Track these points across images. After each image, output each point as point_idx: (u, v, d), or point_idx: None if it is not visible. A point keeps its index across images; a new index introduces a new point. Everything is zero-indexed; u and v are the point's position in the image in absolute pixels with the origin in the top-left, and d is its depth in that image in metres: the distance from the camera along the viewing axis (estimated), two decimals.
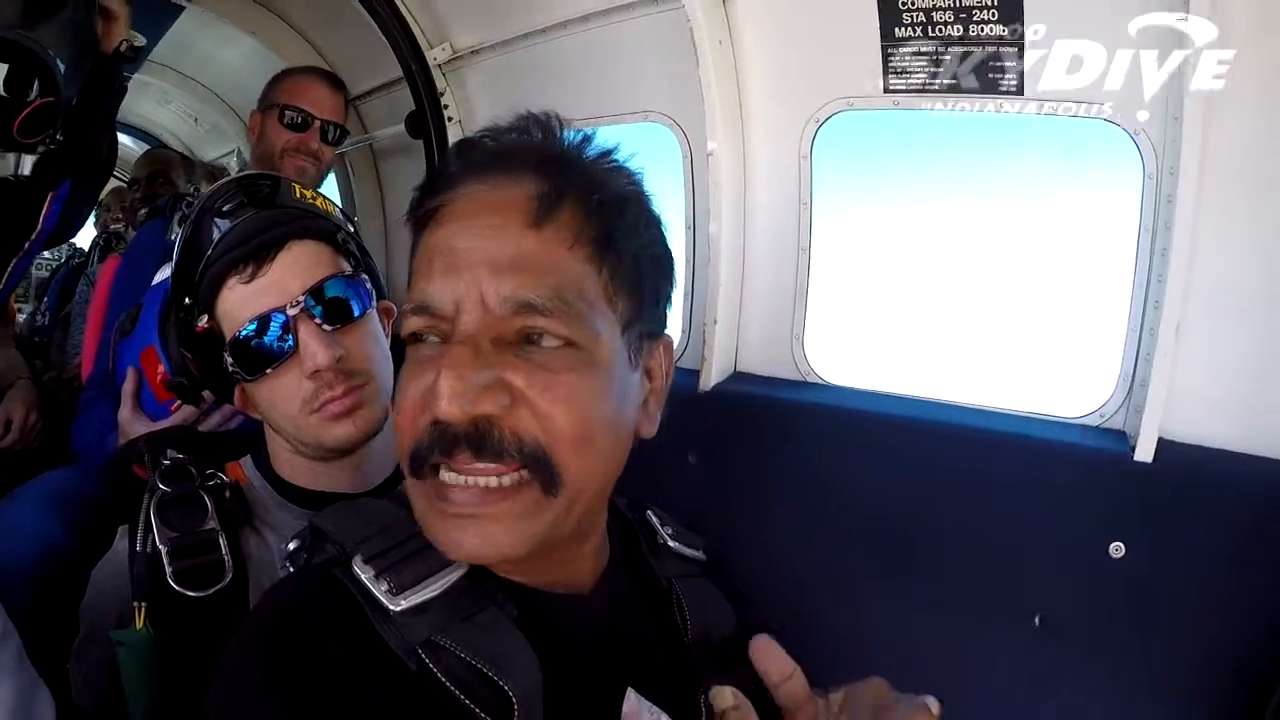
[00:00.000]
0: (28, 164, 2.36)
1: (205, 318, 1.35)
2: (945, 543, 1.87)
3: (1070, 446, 1.76)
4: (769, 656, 0.83)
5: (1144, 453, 1.64)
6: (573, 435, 0.82)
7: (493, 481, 0.81)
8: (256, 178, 1.41)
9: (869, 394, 2.14)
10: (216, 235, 1.33)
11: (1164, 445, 1.65)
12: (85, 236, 4.61)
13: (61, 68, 1.74)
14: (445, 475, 0.83)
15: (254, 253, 1.31)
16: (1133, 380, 1.77)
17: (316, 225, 1.38)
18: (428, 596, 0.83)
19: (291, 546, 0.97)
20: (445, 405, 0.78)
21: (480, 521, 0.82)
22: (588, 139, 0.92)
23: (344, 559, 0.87)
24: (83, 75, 1.89)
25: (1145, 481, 1.64)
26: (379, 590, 0.83)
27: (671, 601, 1.03)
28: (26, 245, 2.13)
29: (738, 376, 2.33)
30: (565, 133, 0.91)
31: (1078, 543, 1.71)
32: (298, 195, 1.40)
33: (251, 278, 1.31)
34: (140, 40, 2.06)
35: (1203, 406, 1.67)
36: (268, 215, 1.34)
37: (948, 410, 1.99)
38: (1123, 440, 1.74)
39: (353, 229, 1.47)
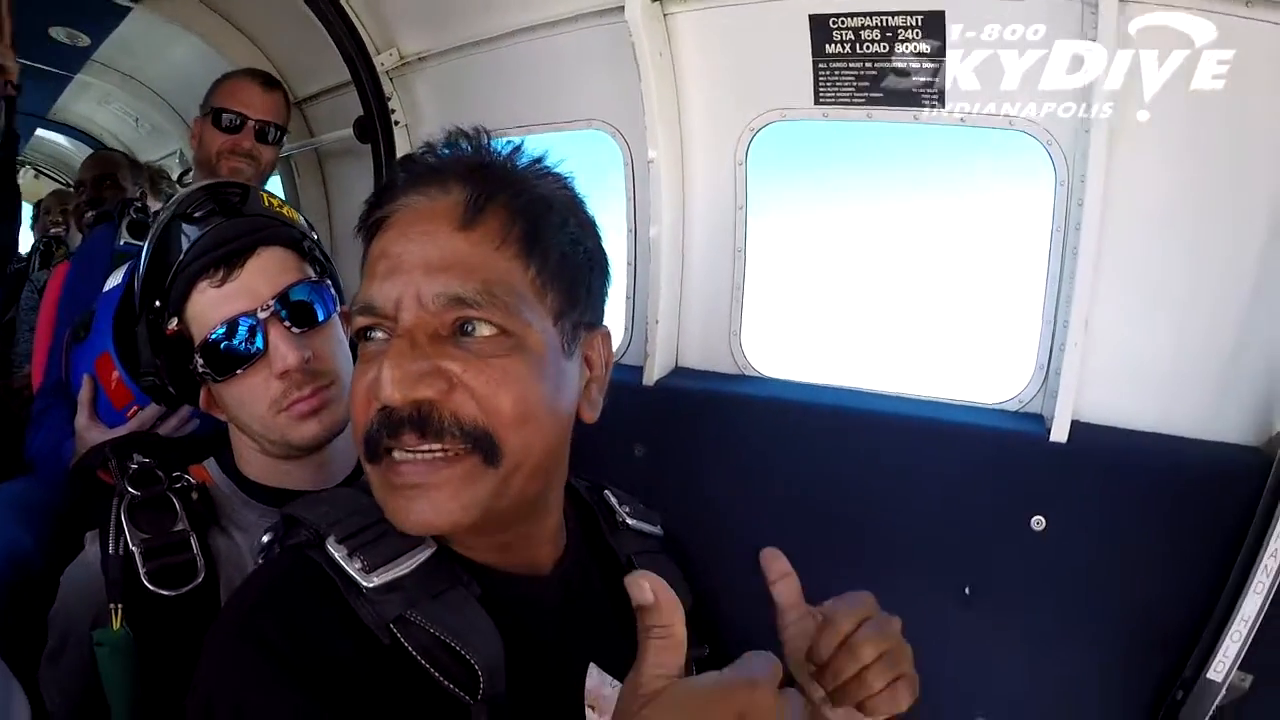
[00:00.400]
0: None
1: (175, 321, 1.37)
2: (879, 522, 1.98)
3: (992, 430, 1.88)
4: (772, 557, 0.96)
5: (1059, 433, 1.78)
6: (510, 413, 0.89)
7: (437, 453, 0.88)
8: (226, 186, 1.43)
9: (804, 385, 2.24)
10: (187, 242, 1.36)
11: (1077, 426, 1.78)
12: (24, 240, 4.47)
13: None
14: (396, 454, 0.90)
15: (225, 258, 1.34)
16: (1048, 368, 1.90)
17: (284, 233, 1.41)
18: (399, 574, 0.90)
19: (265, 539, 1.02)
20: (388, 391, 0.86)
21: (426, 490, 0.88)
22: (518, 149, 1.00)
23: (318, 540, 0.93)
24: None
25: (1061, 460, 1.78)
26: (352, 568, 0.89)
27: None
28: None
29: (679, 371, 2.41)
30: (494, 144, 0.99)
31: (1002, 518, 1.83)
32: (266, 204, 1.44)
33: (223, 282, 1.34)
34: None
35: (1111, 390, 1.81)
36: (238, 223, 1.37)
37: (878, 399, 2.09)
38: (1040, 423, 1.86)
39: (316, 237, 1.51)
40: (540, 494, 0.99)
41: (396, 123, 2.96)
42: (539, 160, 1.00)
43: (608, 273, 1.06)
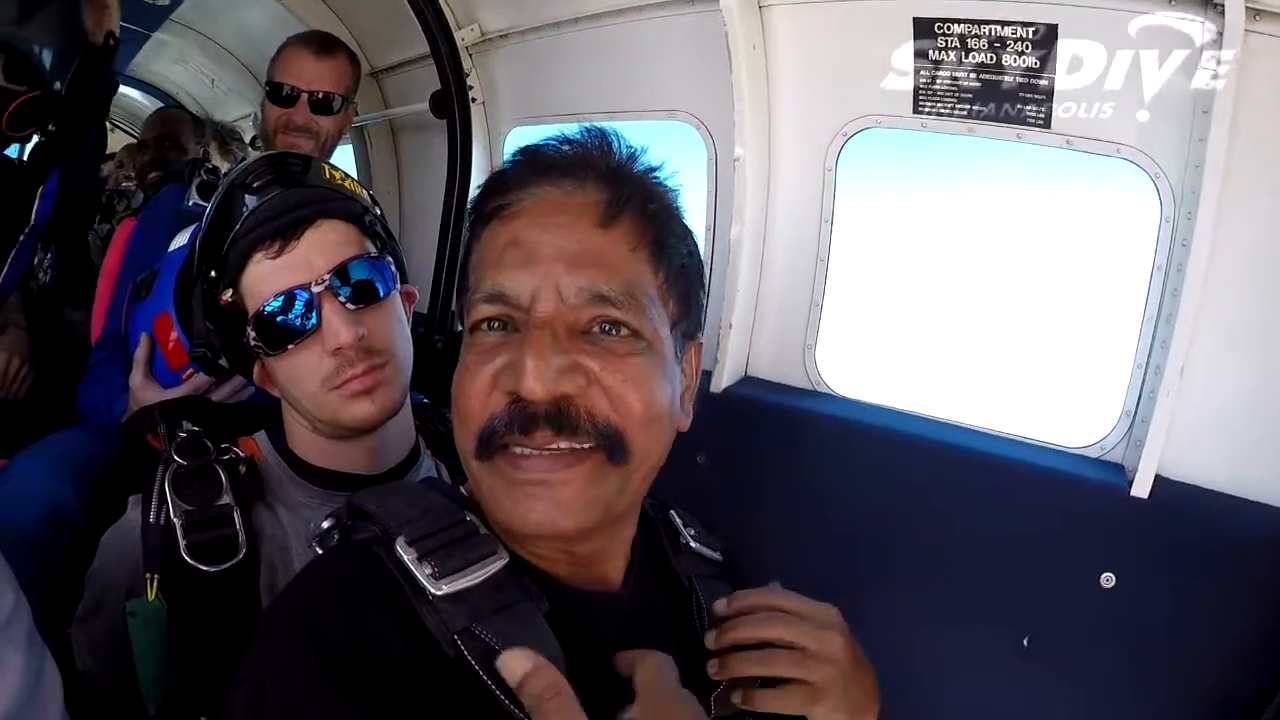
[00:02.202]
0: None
1: (230, 291, 1.38)
2: (941, 559, 1.97)
3: (1070, 476, 1.85)
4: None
5: (1141, 488, 1.74)
6: (642, 414, 0.90)
7: (564, 449, 0.88)
8: (287, 156, 1.45)
9: (876, 408, 2.22)
10: (245, 211, 1.37)
11: (1160, 482, 1.74)
12: None
13: (47, 62, 1.80)
14: (516, 449, 0.89)
15: (282, 229, 1.35)
16: (1134, 416, 1.85)
17: (345, 206, 1.41)
18: (468, 584, 0.89)
19: (325, 526, 1.02)
20: (530, 383, 0.85)
21: (551, 488, 0.89)
22: (636, 155, 1.00)
23: (386, 539, 0.92)
24: (70, 67, 1.94)
25: (1140, 516, 1.74)
26: (421, 573, 0.88)
27: (691, 601, 1.12)
28: (21, 238, 2.18)
29: (749, 381, 2.42)
30: (622, 147, 0.99)
31: (1070, 570, 1.80)
32: (327, 176, 1.44)
33: (278, 254, 1.35)
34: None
35: (1201, 447, 1.76)
36: (297, 193, 1.38)
37: (952, 430, 2.07)
38: (1120, 474, 1.83)
39: (379, 212, 1.52)
40: (638, 500, 1.02)
41: (474, 99, 3.00)
42: (655, 168, 1.02)
43: (706, 287, 1.11)
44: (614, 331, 0.91)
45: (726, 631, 0.99)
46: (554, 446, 0.88)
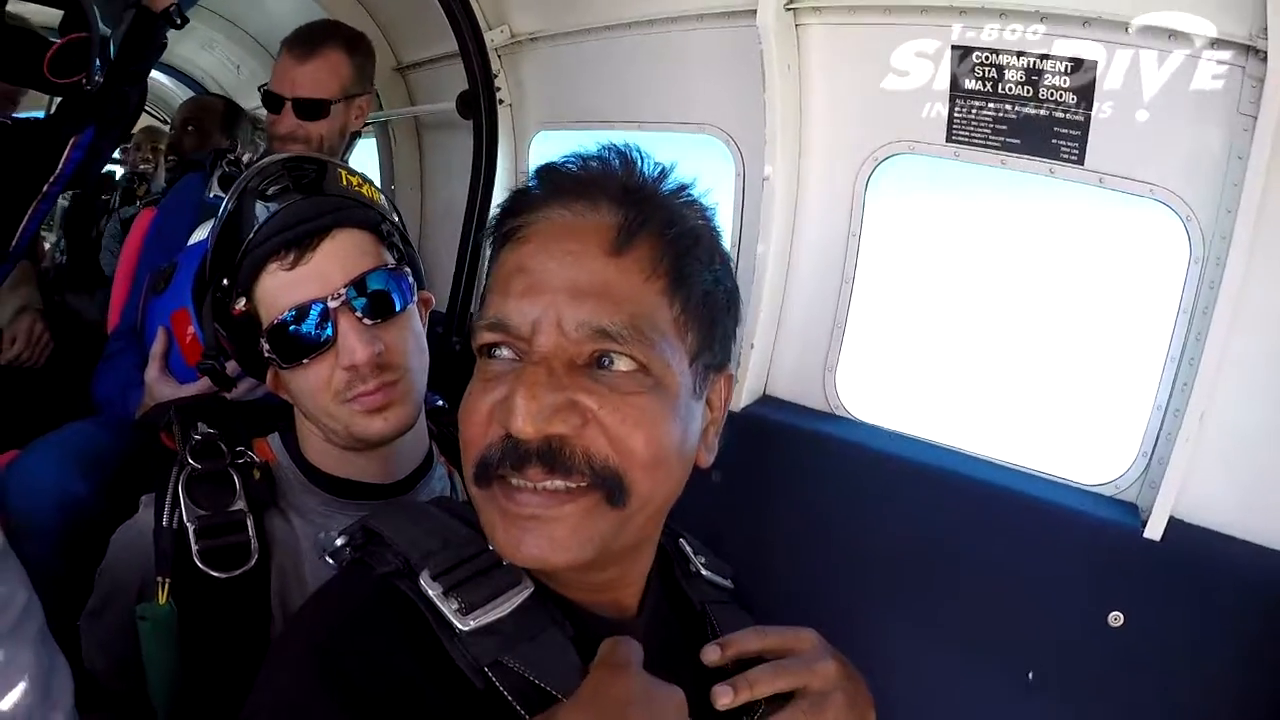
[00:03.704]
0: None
1: (243, 301, 1.40)
2: (949, 588, 2.00)
3: (1083, 514, 1.88)
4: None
5: (1154, 530, 1.76)
6: (645, 457, 0.90)
7: (559, 485, 0.89)
8: (302, 161, 1.46)
9: (893, 435, 2.25)
10: (259, 219, 1.37)
11: (1174, 524, 1.76)
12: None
13: (98, 10, 1.84)
14: (514, 481, 0.90)
15: (297, 240, 1.36)
16: (1151, 457, 1.88)
17: (362, 214, 1.42)
18: (497, 617, 0.91)
19: (338, 542, 1.03)
20: (520, 423, 0.86)
21: (545, 523, 0.89)
22: (665, 172, 1.00)
23: (409, 572, 0.94)
24: (122, 20, 1.99)
25: (1152, 557, 1.76)
26: (448, 609, 0.90)
27: (704, 626, 1.15)
28: (45, 189, 2.22)
29: (767, 400, 2.45)
30: (645, 164, 1.00)
31: (1078, 607, 1.83)
32: (344, 183, 1.44)
33: (293, 265, 1.36)
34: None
35: (1218, 491, 1.77)
36: (312, 202, 1.38)
37: (966, 461, 2.10)
38: (1134, 514, 1.85)
39: (398, 219, 1.53)
40: (651, 535, 1.04)
41: (501, 101, 3.04)
42: (685, 187, 1.01)
43: (739, 314, 1.08)
44: (614, 366, 0.90)
45: (727, 697, 0.99)
46: (546, 484, 0.89)
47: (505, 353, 0.93)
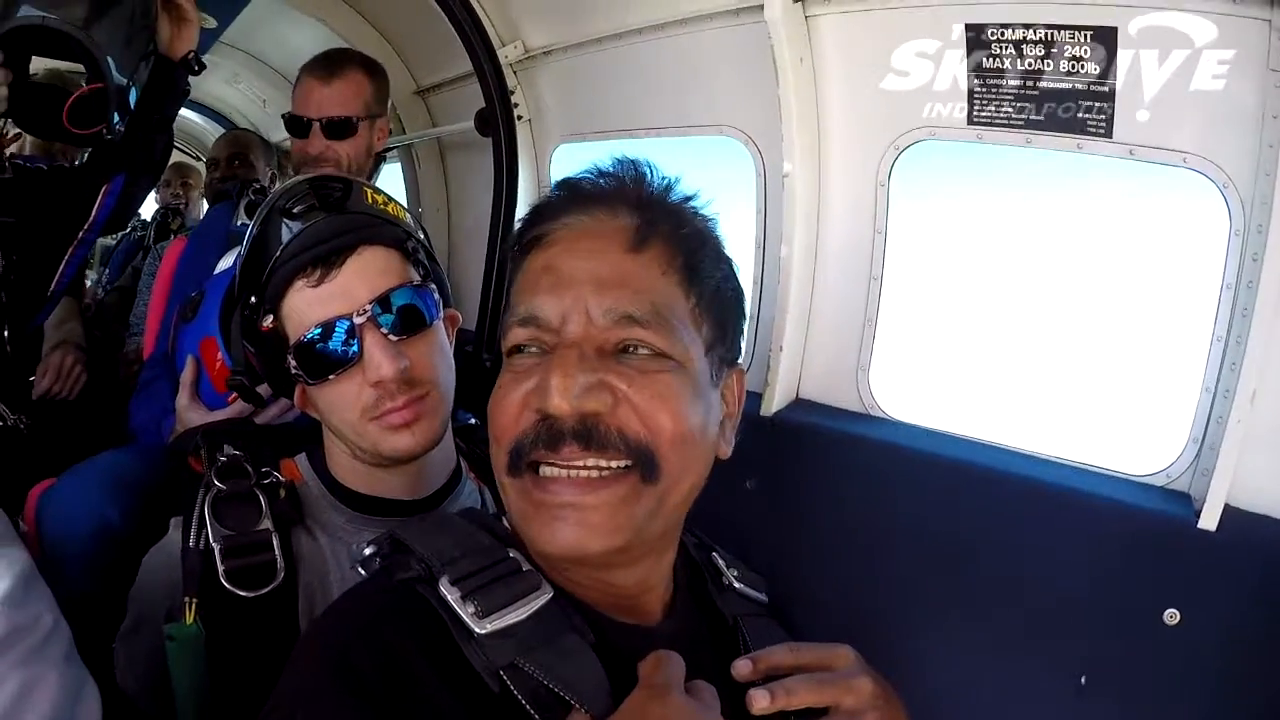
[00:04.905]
0: None
1: (270, 318, 1.44)
2: (996, 592, 1.95)
3: (1133, 506, 1.81)
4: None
5: (1208, 520, 1.69)
6: (673, 431, 0.97)
7: (593, 472, 0.95)
8: (329, 180, 1.49)
9: (931, 433, 2.21)
10: (286, 236, 1.41)
11: (1230, 513, 1.69)
12: (148, 207, 4.85)
13: (111, 60, 1.88)
14: (545, 470, 0.97)
15: (323, 257, 1.40)
16: (1202, 443, 1.81)
17: (387, 232, 1.46)
18: (513, 620, 0.94)
19: (367, 552, 1.07)
20: (556, 400, 0.93)
21: (580, 511, 0.95)
22: (671, 185, 1.11)
23: (430, 578, 0.97)
24: (138, 68, 2.04)
25: (1207, 549, 1.69)
26: (465, 612, 0.93)
27: (736, 639, 1.16)
28: (80, 235, 2.29)
29: (799, 404, 2.43)
30: (655, 177, 1.10)
31: (1131, 605, 1.77)
32: (369, 201, 1.48)
33: (319, 282, 1.40)
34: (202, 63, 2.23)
35: (1275, 475, 1.71)
36: (338, 220, 1.42)
37: (1011, 457, 2.05)
38: (1187, 504, 1.79)
39: (423, 236, 1.57)
40: (678, 525, 1.08)
41: (519, 117, 3.08)
42: (691, 198, 1.12)
43: (745, 313, 1.17)
44: (639, 351, 0.98)
45: (764, 701, 1.01)
46: (581, 464, 0.95)
47: (533, 349, 1.01)
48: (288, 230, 1.42)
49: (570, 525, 0.95)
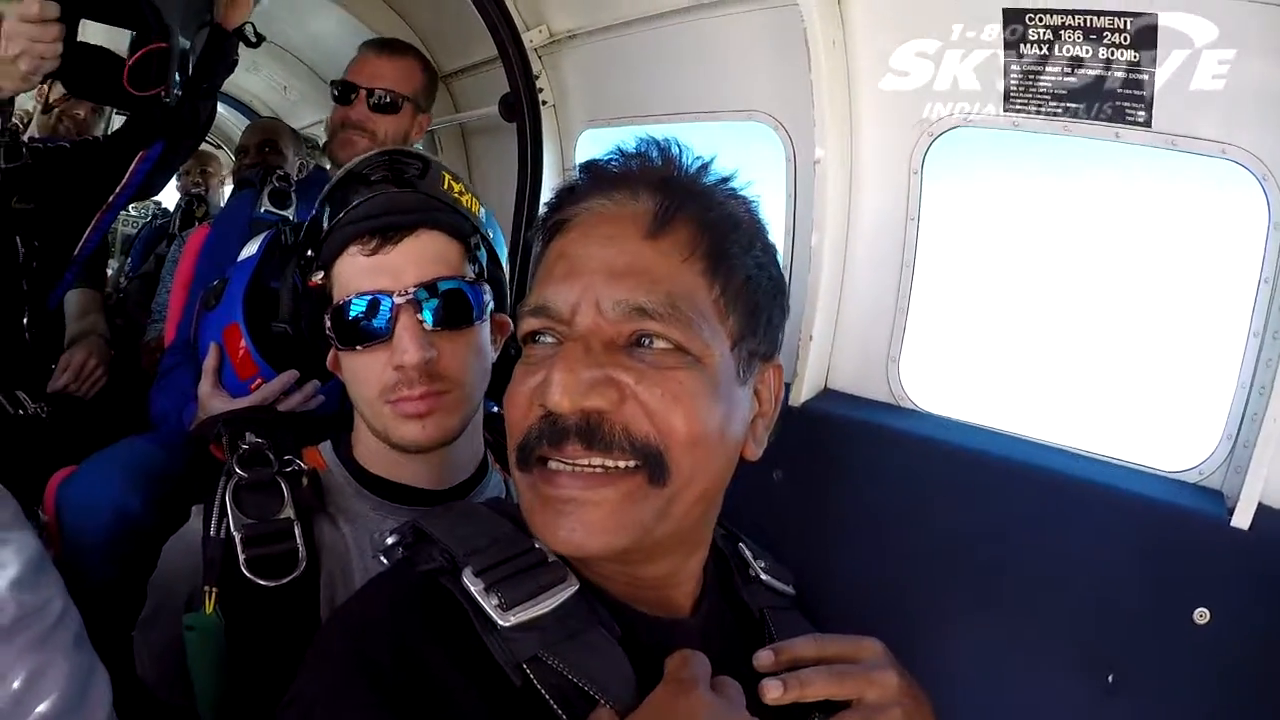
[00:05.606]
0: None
1: (321, 274, 1.48)
2: (1025, 586, 1.94)
3: (1164, 503, 1.80)
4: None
5: (1241, 518, 1.67)
6: (683, 431, 0.93)
7: (598, 469, 0.93)
8: (409, 155, 1.52)
9: (961, 425, 2.20)
10: (354, 200, 1.44)
11: (1263, 512, 1.68)
12: (170, 194, 4.91)
13: (175, 23, 1.90)
14: (553, 464, 0.95)
15: (381, 230, 1.42)
16: (1236, 439, 1.79)
17: (452, 220, 1.47)
18: (538, 613, 0.93)
19: (390, 541, 1.07)
20: (557, 397, 0.90)
21: (582, 507, 0.93)
22: (705, 165, 1.06)
23: (453, 569, 0.97)
24: (197, 33, 2.07)
25: (1239, 548, 1.68)
26: (488, 604, 0.92)
27: (763, 631, 1.15)
28: (110, 200, 2.34)
29: (828, 394, 2.42)
30: (684, 157, 1.05)
31: (1161, 603, 1.76)
32: (445, 185, 1.50)
33: (373, 253, 1.42)
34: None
35: None
36: (406, 197, 1.45)
37: (1042, 451, 2.03)
38: (1219, 502, 1.77)
39: (491, 234, 1.57)
40: (696, 525, 1.05)
41: (544, 102, 3.08)
42: (727, 179, 1.07)
43: (787, 305, 1.12)
44: (652, 344, 0.94)
45: (775, 691, 1.00)
46: (585, 462, 0.93)
47: (548, 339, 0.99)
48: (357, 195, 1.45)
49: (571, 520, 0.94)
